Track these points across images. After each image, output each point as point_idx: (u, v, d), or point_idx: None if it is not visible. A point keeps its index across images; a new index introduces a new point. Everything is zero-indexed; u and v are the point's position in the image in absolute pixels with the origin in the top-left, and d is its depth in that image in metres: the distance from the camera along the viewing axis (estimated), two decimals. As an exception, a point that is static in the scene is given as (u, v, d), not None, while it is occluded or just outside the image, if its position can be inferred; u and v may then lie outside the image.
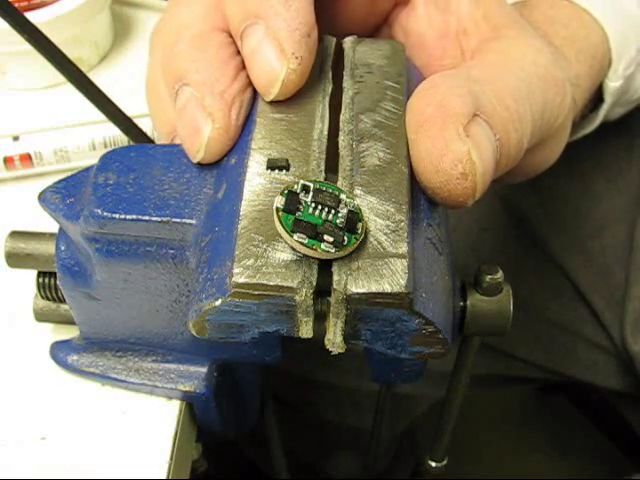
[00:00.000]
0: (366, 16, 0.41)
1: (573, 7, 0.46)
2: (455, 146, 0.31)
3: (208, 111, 0.33)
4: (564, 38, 0.44)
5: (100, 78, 0.56)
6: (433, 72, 0.39)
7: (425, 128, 0.31)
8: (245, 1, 0.33)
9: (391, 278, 0.29)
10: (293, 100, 0.34)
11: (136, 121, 0.41)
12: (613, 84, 0.48)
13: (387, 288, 0.29)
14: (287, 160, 0.32)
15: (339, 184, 0.31)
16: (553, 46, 0.42)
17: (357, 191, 0.31)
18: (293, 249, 0.29)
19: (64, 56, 0.37)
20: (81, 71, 0.38)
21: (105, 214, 0.33)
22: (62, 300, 0.39)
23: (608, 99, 0.49)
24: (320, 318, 0.30)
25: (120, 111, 0.40)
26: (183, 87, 0.34)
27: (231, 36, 0.35)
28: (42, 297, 0.40)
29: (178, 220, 0.32)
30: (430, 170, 0.31)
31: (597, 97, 0.49)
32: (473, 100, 0.32)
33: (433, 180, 0.31)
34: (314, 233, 0.29)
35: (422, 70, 0.40)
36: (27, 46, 0.37)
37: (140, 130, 0.41)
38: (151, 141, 0.39)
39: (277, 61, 0.32)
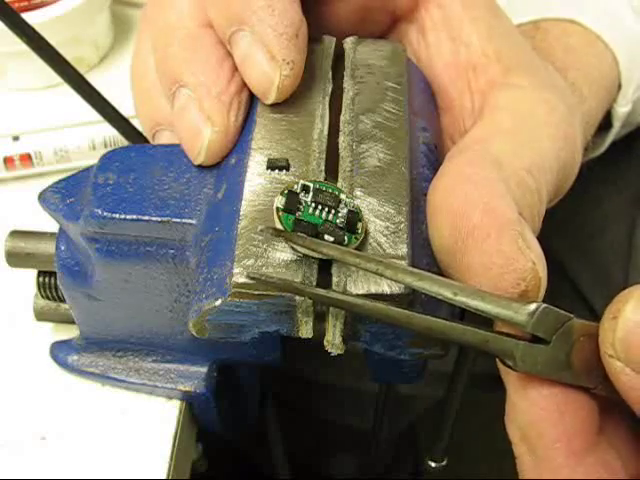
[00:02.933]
0: (358, 24, 0.40)
1: (586, 34, 0.45)
2: (519, 263, 0.28)
3: (207, 114, 0.33)
4: (578, 70, 0.43)
5: (100, 78, 0.57)
6: (440, 102, 0.38)
7: (477, 239, 0.28)
8: (227, 6, 0.33)
9: (390, 279, 0.29)
10: (293, 100, 0.34)
11: (134, 121, 0.41)
12: (622, 109, 0.47)
13: (386, 289, 0.29)
14: (287, 160, 0.32)
15: (339, 185, 0.31)
16: (568, 82, 0.42)
17: (357, 192, 0.31)
18: (293, 249, 0.29)
19: (61, 57, 0.37)
20: (78, 72, 0.38)
21: (105, 214, 0.33)
22: (62, 299, 0.39)
23: (616, 124, 0.48)
24: (320, 318, 0.30)
25: (117, 112, 0.40)
26: (180, 89, 0.34)
27: None
28: (42, 297, 0.40)
29: (178, 220, 0.32)
30: (486, 285, 0.28)
31: (604, 122, 0.48)
32: (511, 194, 0.30)
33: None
34: (314, 233, 0.29)
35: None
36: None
37: (137, 131, 0.41)
38: (147, 141, 0.39)
39: (269, 68, 0.32)
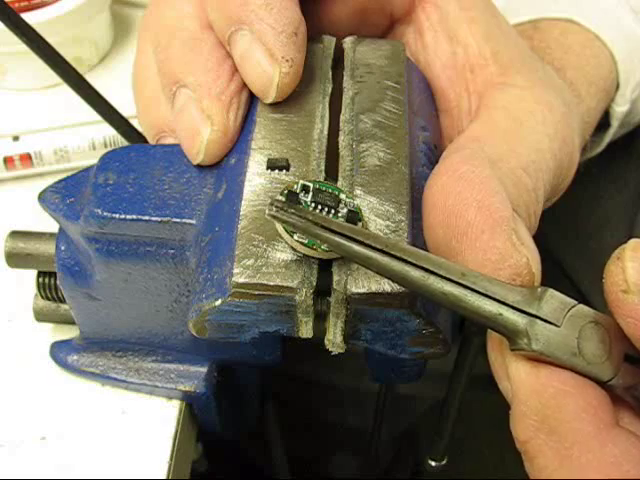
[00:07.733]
0: (356, 27, 0.39)
1: (584, 33, 0.45)
2: (513, 259, 0.28)
3: (206, 114, 0.33)
4: (577, 70, 0.43)
5: (99, 78, 0.57)
6: (439, 104, 0.38)
7: (471, 237, 0.28)
8: (225, 7, 0.33)
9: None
10: (293, 100, 0.34)
11: (134, 121, 0.41)
12: (620, 109, 0.47)
13: (387, 288, 0.29)
14: (287, 160, 0.32)
15: (339, 184, 0.31)
16: (566, 82, 0.42)
17: (357, 191, 0.31)
18: (293, 249, 0.29)
19: (61, 57, 0.37)
20: (78, 72, 0.38)
21: (105, 214, 0.33)
22: (62, 300, 0.39)
23: (614, 123, 0.48)
24: (320, 318, 0.30)
25: (116, 112, 0.40)
26: (180, 89, 0.34)
27: None
28: (42, 297, 0.40)
29: (178, 220, 0.32)
30: None
31: (602, 121, 0.48)
32: (506, 192, 0.30)
33: None
34: (314, 233, 0.29)
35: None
36: (27, 46, 0.38)
37: (136, 131, 0.41)
38: (146, 141, 0.39)
39: (269, 66, 0.32)
